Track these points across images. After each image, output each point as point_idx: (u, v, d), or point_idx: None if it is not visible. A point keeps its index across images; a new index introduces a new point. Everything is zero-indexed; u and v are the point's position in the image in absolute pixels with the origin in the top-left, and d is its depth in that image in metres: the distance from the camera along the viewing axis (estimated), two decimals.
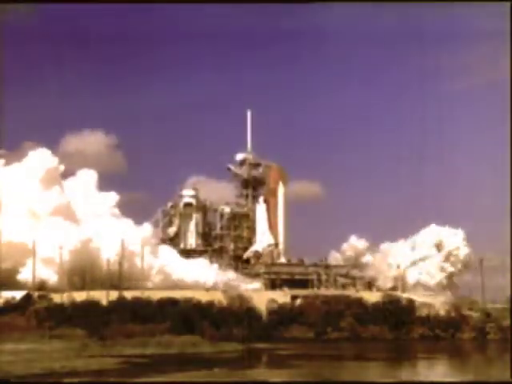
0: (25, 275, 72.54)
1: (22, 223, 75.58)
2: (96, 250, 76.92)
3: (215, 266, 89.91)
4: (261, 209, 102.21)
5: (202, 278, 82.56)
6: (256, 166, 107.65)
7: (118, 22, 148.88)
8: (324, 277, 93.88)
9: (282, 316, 63.75)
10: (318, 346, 52.67)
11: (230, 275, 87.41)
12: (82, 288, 70.15)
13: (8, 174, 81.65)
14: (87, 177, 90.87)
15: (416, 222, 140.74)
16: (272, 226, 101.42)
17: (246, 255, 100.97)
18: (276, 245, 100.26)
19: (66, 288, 69.58)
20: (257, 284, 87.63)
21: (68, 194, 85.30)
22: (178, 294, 65.00)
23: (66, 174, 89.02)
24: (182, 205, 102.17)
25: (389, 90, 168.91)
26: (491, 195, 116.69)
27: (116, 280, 71.28)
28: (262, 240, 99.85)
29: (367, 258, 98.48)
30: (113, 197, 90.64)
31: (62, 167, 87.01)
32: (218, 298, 65.90)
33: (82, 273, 74.12)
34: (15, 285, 70.83)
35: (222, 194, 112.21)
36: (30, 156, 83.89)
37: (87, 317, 56.31)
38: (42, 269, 72.01)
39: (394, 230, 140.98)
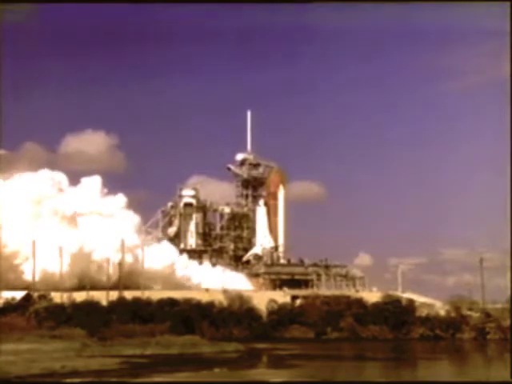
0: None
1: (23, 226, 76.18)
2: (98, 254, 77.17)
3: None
4: (261, 211, 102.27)
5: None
6: (256, 166, 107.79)
7: (118, 21, 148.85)
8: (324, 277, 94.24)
9: (282, 316, 63.77)
10: (318, 346, 52.64)
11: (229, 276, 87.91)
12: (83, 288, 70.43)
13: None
14: (94, 183, 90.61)
15: (416, 222, 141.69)
16: (272, 229, 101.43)
17: (245, 258, 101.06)
18: (276, 248, 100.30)
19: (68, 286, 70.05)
20: (248, 284, 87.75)
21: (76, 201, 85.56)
22: (178, 295, 65.07)
23: (66, 175, 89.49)
24: (182, 205, 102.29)
25: (389, 89, 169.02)
26: (491, 195, 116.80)
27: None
28: (263, 243, 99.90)
29: None
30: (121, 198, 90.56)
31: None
32: (218, 298, 65.94)
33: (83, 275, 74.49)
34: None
35: (222, 194, 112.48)
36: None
37: (87, 317, 56.35)
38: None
39: (394, 229, 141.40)
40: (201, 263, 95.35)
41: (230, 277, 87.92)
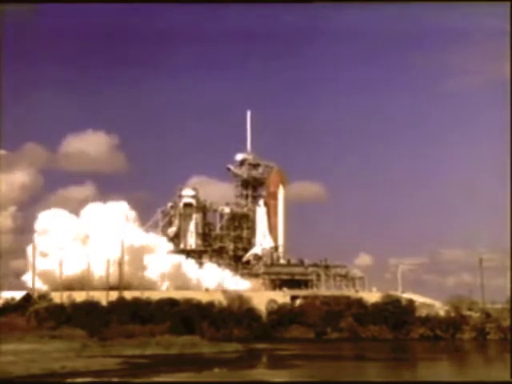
0: None
1: None
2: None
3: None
4: (261, 211, 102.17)
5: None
6: (256, 166, 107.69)
7: (119, 21, 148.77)
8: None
9: (282, 316, 63.79)
10: (318, 347, 52.65)
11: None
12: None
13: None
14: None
15: (416, 222, 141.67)
16: (272, 229, 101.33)
17: (245, 258, 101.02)
18: (276, 248, 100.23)
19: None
20: (247, 283, 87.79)
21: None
22: (178, 295, 65.03)
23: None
24: (181, 205, 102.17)
25: (389, 89, 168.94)
26: (491, 195, 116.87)
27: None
28: (262, 243, 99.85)
29: None
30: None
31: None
32: (218, 298, 65.94)
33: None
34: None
35: (221, 195, 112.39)
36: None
37: (87, 317, 56.36)
38: None
39: (394, 229, 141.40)
40: (201, 263, 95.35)
41: (235, 279, 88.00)
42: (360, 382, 32.34)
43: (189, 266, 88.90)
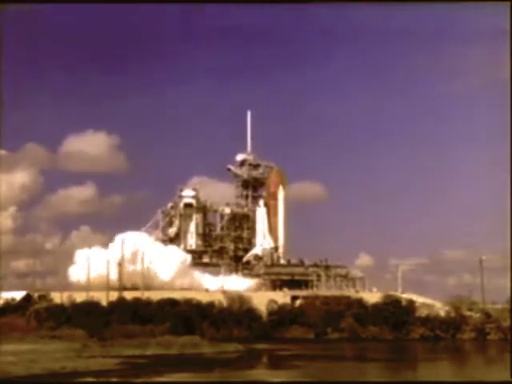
0: None
1: None
2: None
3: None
4: (261, 212, 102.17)
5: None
6: (256, 166, 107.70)
7: (119, 22, 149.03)
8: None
9: (282, 316, 63.80)
10: (318, 347, 52.63)
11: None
12: None
13: None
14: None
15: (416, 222, 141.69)
16: (272, 229, 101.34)
17: (245, 258, 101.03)
18: (276, 248, 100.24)
19: None
20: (248, 282, 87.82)
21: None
22: (178, 295, 65.02)
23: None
24: (182, 205, 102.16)
25: (388, 89, 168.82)
26: (491, 195, 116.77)
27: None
28: (263, 243, 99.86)
29: None
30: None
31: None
32: (218, 298, 65.94)
33: None
34: None
35: (222, 195, 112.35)
36: None
37: (87, 317, 56.36)
38: None
39: (395, 230, 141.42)
40: (201, 264, 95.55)
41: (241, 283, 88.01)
42: (360, 382, 32.34)
43: (206, 279, 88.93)
